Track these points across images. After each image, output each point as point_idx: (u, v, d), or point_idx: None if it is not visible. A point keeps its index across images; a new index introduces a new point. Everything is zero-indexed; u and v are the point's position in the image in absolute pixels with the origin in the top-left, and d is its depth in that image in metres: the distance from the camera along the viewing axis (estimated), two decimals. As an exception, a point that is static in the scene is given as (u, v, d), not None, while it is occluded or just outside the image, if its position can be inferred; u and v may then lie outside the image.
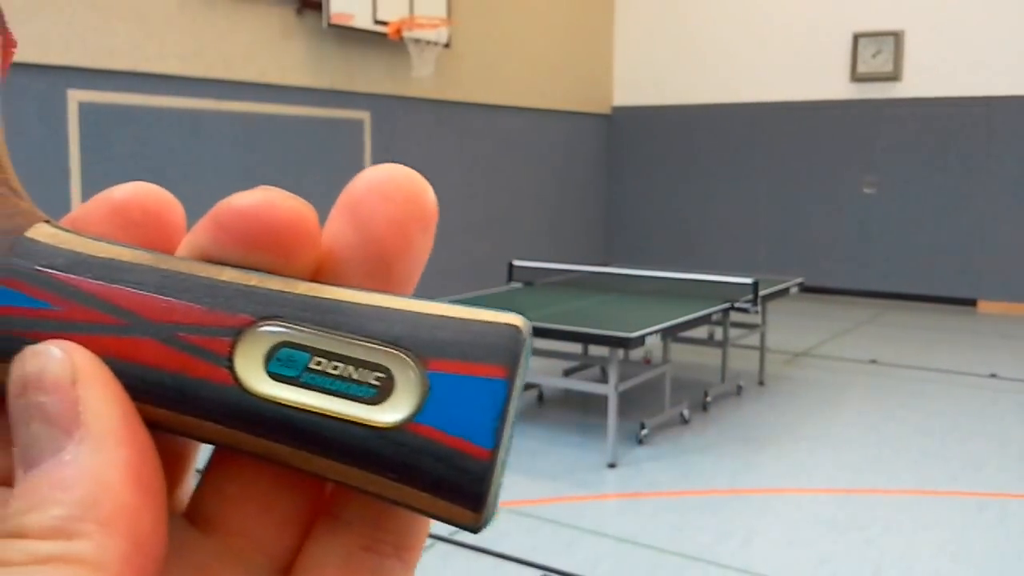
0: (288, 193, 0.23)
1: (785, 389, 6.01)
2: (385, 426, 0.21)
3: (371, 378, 0.21)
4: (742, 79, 10.35)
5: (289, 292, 0.22)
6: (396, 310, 0.22)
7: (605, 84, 11.17)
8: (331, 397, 0.21)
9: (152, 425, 0.21)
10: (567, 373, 6.09)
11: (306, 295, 0.22)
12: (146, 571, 0.19)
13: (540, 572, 3.34)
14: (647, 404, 5.34)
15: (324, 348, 0.21)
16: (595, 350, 5.88)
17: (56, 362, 0.20)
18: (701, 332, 6.15)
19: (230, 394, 0.21)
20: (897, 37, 9.43)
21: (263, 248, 0.22)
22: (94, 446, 0.19)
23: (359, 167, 7.98)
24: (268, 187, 0.23)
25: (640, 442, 4.84)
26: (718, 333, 6.14)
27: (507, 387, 0.21)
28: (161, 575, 0.20)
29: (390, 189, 0.24)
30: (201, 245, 0.23)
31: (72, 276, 0.21)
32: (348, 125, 7.85)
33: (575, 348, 5.92)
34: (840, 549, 3.56)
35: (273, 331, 0.21)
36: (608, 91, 11.22)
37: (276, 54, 7.16)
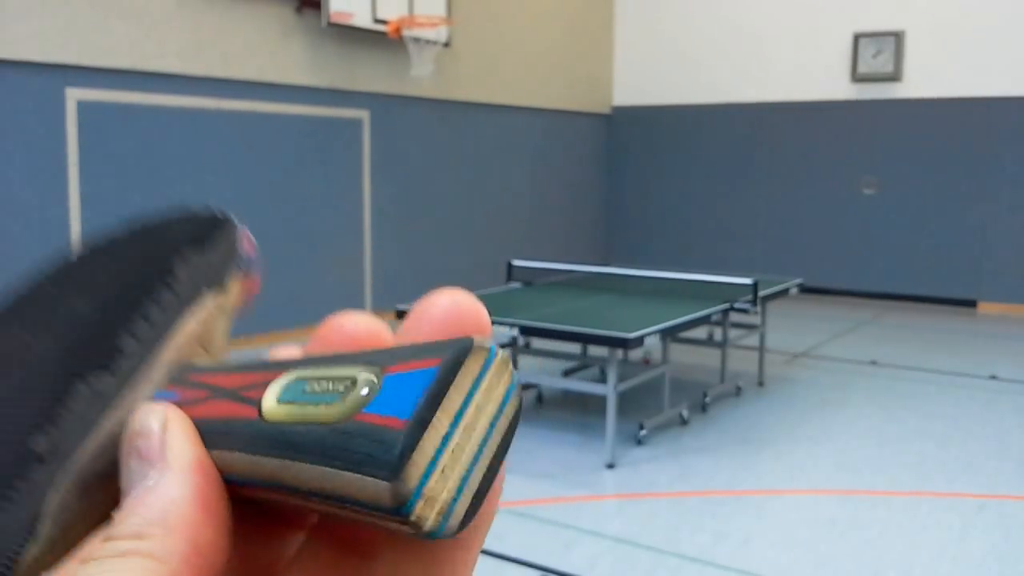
0: (372, 319, 0.29)
1: (784, 390, 6.00)
2: (336, 419, 0.25)
3: (340, 387, 0.25)
4: (742, 79, 10.35)
5: (313, 355, 0.28)
6: (386, 348, 0.27)
7: (605, 84, 11.17)
8: (308, 407, 0.25)
9: (227, 470, 0.26)
10: (566, 373, 6.08)
11: (323, 354, 0.28)
12: (201, 570, 0.25)
13: (538, 572, 3.33)
14: (646, 405, 5.34)
15: (317, 375, 0.26)
16: (594, 350, 5.87)
17: (152, 415, 0.27)
18: (700, 333, 6.14)
19: (253, 424, 0.26)
20: (898, 37, 9.42)
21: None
22: (171, 475, 0.25)
23: (358, 166, 7.97)
24: (362, 315, 0.29)
25: (639, 443, 4.83)
26: (717, 334, 6.14)
27: (437, 371, 0.24)
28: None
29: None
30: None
31: (187, 375, 0.29)
32: (347, 124, 7.84)
33: (574, 348, 5.92)
34: (839, 550, 3.55)
35: (291, 374, 0.27)
36: (608, 91, 11.21)
37: (275, 53, 7.15)
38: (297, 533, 0.30)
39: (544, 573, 3.32)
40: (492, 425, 0.25)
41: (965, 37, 9.16)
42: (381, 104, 8.13)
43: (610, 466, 4.50)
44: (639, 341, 4.39)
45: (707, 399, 5.51)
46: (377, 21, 7.67)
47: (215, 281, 0.31)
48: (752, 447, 4.84)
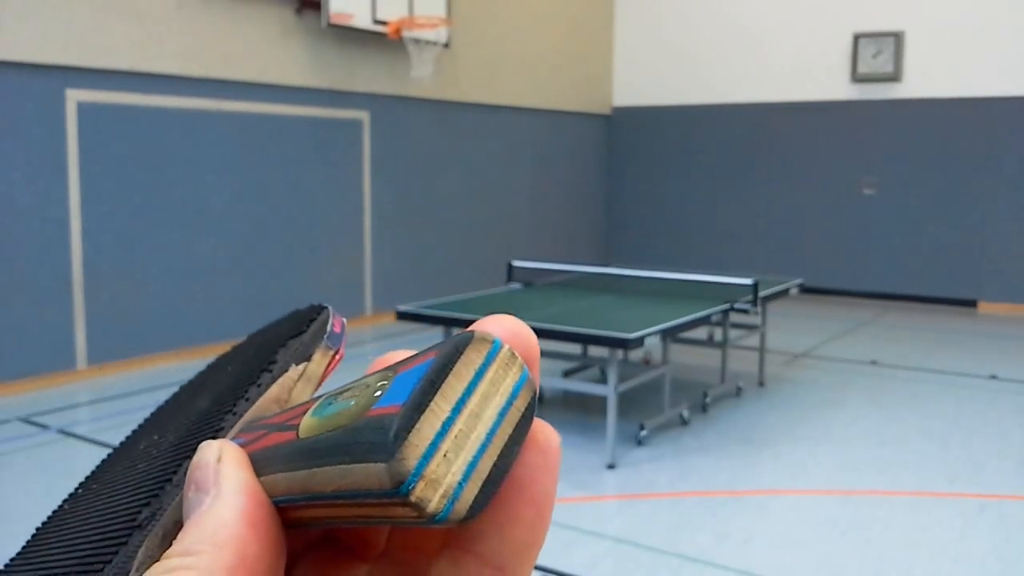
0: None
1: (785, 390, 6.00)
2: (350, 420, 0.26)
3: (357, 393, 0.27)
4: (742, 80, 10.35)
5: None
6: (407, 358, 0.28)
7: (605, 84, 11.17)
8: (331, 417, 0.27)
9: (274, 492, 0.28)
10: (567, 374, 6.08)
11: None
12: None
13: (539, 573, 3.33)
14: (646, 405, 5.34)
15: (343, 390, 0.28)
16: (595, 351, 5.87)
17: (210, 450, 0.29)
18: (701, 333, 6.14)
19: (291, 444, 0.28)
20: (897, 38, 9.42)
21: None
22: (221, 498, 0.28)
23: (358, 167, 7.97)
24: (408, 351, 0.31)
25: (639, 443, 4.83)
26: (718, 334, 6.14)
27: (434, 361, 0.26)
28: None
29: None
30: None
31: (255, 423, 0.33)
32: (347, 125, 7.84)
33: (575, 349, 5.91)
34: (840, 550, 3.55)
35: (325, 396, 0.29)
36: (608, 91, 11.22)
37: (275, 54, 7.15)
38: (362, 565, 0.32)
39: (545, 573, 3.32)
40: (501, 415, 0.26)
41: (965, 37, 9.16)
42: (381, 105, 8.13)
43: (611, 466, 4.50)
44: (639, 342, 4.39)
45: (707, 399, 5.51)
46: (377, 22, 7.67)
47: (302, 356, 0.35)
48: (752, 447, 4.84)
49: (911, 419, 5.37)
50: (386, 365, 0.30)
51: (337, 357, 0.36)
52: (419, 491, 0.24)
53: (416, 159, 8.55)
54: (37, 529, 0.37)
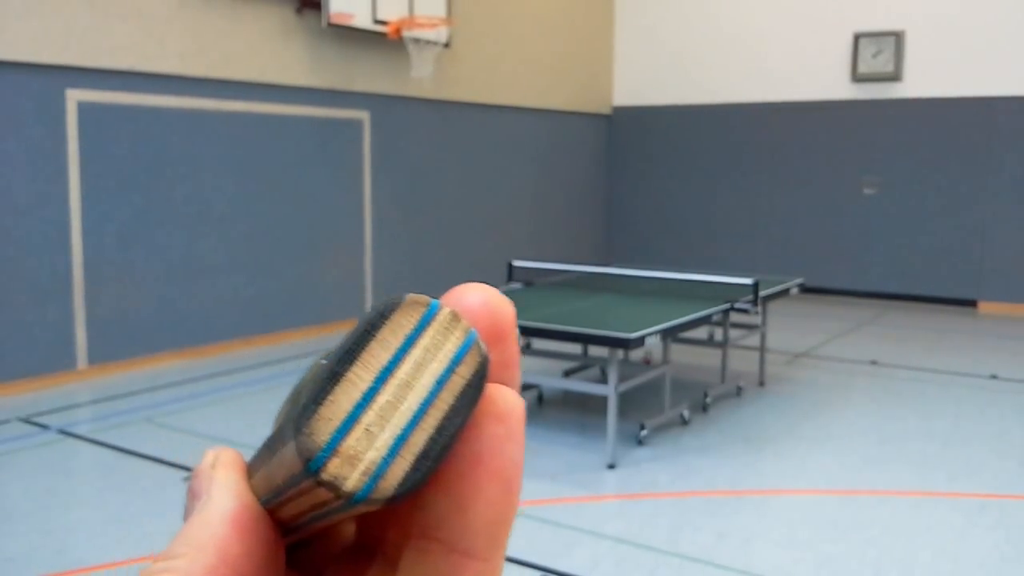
0: None
1: (785, 390, 6.00)
2: (295, 401, 0.25)
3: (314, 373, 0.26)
4: (743, 79, 10.35)
5: None
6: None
7: (605, 84, 11.16)
8: (287, 402, 0.26)
9: (258, 493, 0.28)
10: (567, 374, 6.08)
11: None
12: None
13: (539, 573, 3.33)
14: (647, 405, 5.34)
15: None
16: (595, 351, 5.87)
17: (207, 457, 0.30)
18: (701, 333, 6.14)
19: (266, 440, 0.27)
20: (898, 37, 9.42)
21: None
22: (210, 503, 0.28)
23: (358, 167, 7.97)
24: None
25: (640, 443, 4.83)
26: (718, 334, 6.14)
27: (350, 332, 0.25)
28: None
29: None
30: None
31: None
32: (347, 125, 7.84)
33: (575, 348, 5.91)
34: (840, 550, 3.55)
35: None
36: (608, 91, 11.21)
37: (275, 54, 7.15)
38: (371, 567, 0.31)
39: (545, 573, 3.32)
40: (439, 383, 0.24)
41: (965, 37, 9.16)
42: (381, 104, 8.13)
43: (611, 466, 4.49)
44: (640, 341, 4.39)
45: (708, 399, 5.51)
46: (377, 22, 7.67)
47: None
48: (753, 447, 4.84)
49: (911, 419, 5.37)
50: None
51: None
52: (333, 468, 0.22)
53: (416, 159, 8.54)
54: None
